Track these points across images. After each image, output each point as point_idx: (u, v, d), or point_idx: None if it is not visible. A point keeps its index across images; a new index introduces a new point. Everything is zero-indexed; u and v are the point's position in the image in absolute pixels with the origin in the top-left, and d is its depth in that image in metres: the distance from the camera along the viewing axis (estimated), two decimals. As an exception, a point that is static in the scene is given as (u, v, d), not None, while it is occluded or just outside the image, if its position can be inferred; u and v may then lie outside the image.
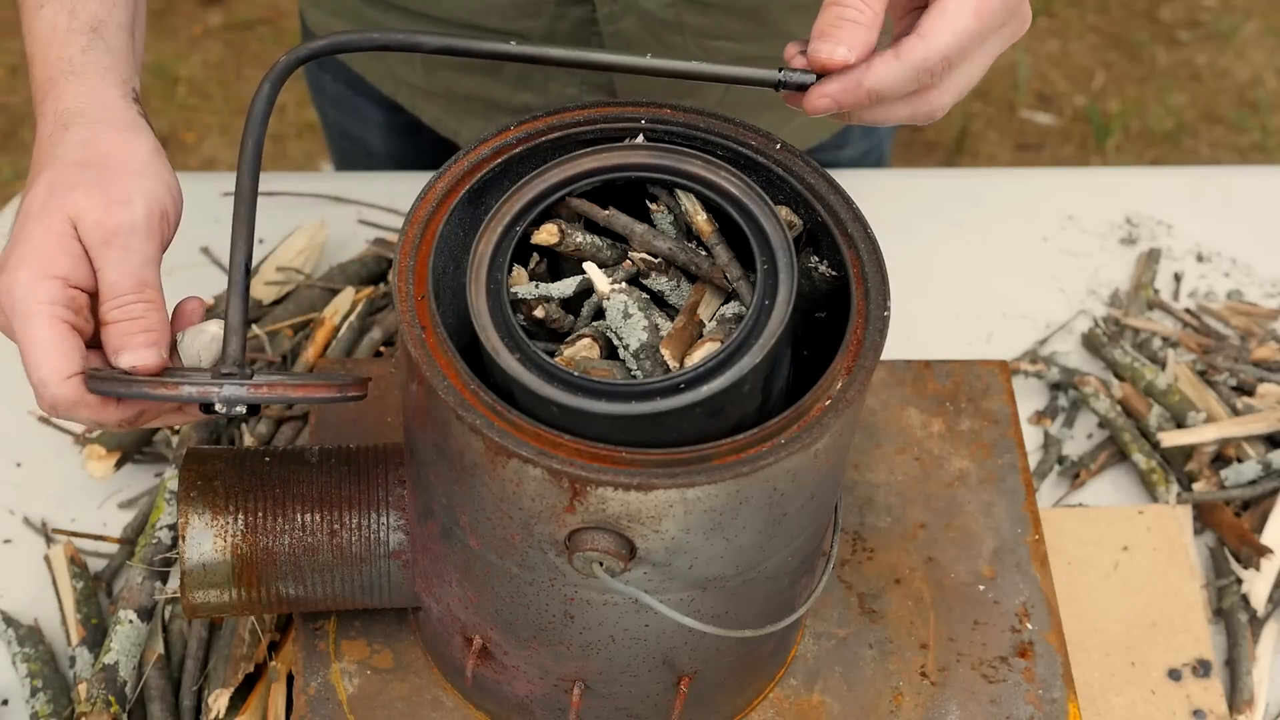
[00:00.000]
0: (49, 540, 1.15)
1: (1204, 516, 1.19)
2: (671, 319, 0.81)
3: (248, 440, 1.17)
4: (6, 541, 1.16)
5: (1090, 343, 1.31)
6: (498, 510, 0.79)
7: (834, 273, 0.83)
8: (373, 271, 1.31)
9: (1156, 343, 1.31)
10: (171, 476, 1.13)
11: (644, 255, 0.82)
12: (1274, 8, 3.05)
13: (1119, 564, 1.15)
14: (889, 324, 0.80)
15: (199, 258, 1.32)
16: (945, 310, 1.34)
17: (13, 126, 2.77)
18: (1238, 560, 1.16)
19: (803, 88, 0.82)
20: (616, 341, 0.80)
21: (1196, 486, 1.20)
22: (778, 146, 0.86)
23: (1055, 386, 1.29)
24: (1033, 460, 1.23)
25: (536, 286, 0.81)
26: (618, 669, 0.88)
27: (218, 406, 0.80)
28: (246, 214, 0.83)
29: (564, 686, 0.90)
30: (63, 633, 1.09)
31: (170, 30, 2.92)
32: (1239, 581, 1.15)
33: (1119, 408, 1.25)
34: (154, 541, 1.10)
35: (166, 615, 1.09)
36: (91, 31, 0.92)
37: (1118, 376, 1.28)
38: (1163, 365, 1.28)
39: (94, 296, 0.85)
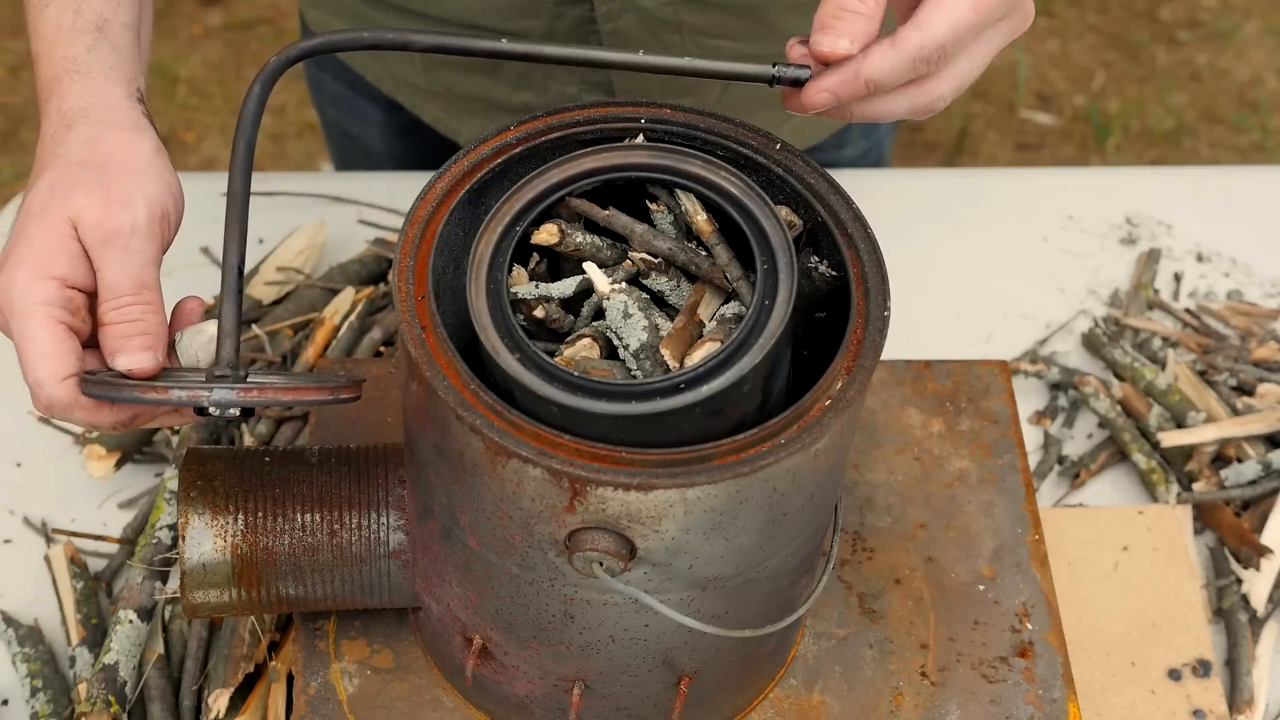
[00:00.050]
0: (49, 540, 1.15)
1: (1204, 516, 1.19)
2: (671, 319, 0.81)
3: (248, 440, 1.17)
4: (6, 541, 1.16)
5: (1090, 343, 1.31)
6: (498, 510, 0.79)
7: (834, 273, 0.83)
8: (373, 271, 1.31)
9: (1156, 343, 1.31)
10: (171, 476, 1.13)
11: (644, 255, 0.82)
12: (1274, 8, 3.05)
13: (1119, 564, 1.15)
14: (889, 324, 0.80)
15: (199, 258, 1.32)
16: (945, 310, 1.34)
17: (13, 126, 2.77)
18: (1238, 560, 1.16)
19: (797, 83, 0.82)
20: (616, 341, 0.80)
21: (1196, 486, 1.20)
22: (777, 146, 0.86)
23: (1055, 386, 1.29)
24: (1033, 460, 1.23)
25: (536, 286, 0.81)
26: (618, 669, 0.88)
27: (210, 410, 0.79)
28: (239, 215, 0.83)
29: (564, 686, 0.90)
30: (63, 633, 1.09)
31: (170, 30, 2.92)
32: (1239, 581, 1.15)
33: (1119, 408, 1.25)
34: (154, 541, 1.10)
35: (166, 615, 1.09)
36: (96, 31, 0.91)
37: (1118, 376, 1.28)
38: (1163, 365, 1.28)
39: (93, 296, 0.84)
